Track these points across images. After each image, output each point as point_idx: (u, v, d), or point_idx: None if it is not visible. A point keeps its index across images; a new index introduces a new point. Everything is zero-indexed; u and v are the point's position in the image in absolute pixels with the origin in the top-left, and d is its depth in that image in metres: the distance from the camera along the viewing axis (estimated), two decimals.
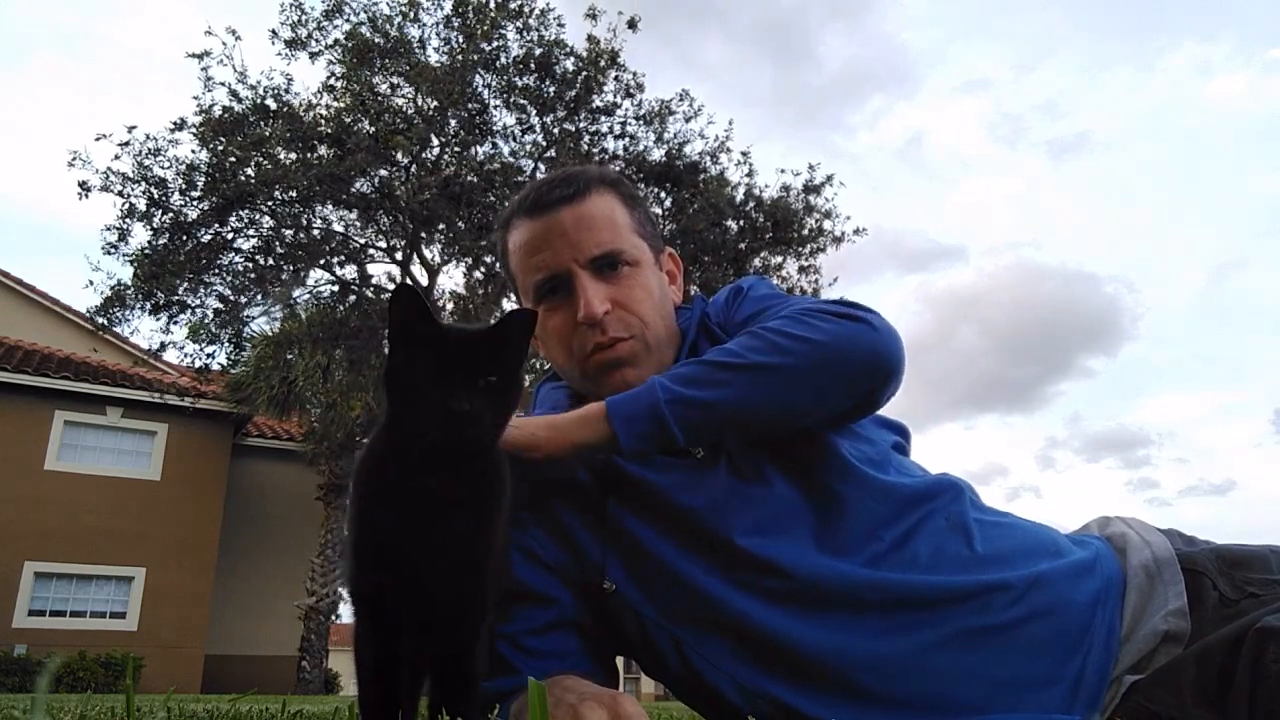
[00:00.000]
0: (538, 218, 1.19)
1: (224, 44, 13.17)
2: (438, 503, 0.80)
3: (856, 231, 14.78)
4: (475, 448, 0.81)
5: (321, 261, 14.24)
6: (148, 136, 12.71)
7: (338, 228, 14.29)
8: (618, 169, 12.11)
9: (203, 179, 12.67)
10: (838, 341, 1.02)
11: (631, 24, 13.17)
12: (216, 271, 13.62)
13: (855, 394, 1.04)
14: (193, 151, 12.86)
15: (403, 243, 14.34)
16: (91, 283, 13.03)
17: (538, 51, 13.11)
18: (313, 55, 13.44)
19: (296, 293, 14.12)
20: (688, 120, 13.99)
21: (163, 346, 13.66)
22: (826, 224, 14.62)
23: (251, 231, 13.76)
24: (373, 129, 12.75)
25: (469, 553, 0.82)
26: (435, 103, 12.91)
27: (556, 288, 1.18)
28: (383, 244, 14.63)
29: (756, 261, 14.43)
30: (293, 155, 12.84)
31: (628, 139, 13.97)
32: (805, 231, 14.44)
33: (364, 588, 0.83)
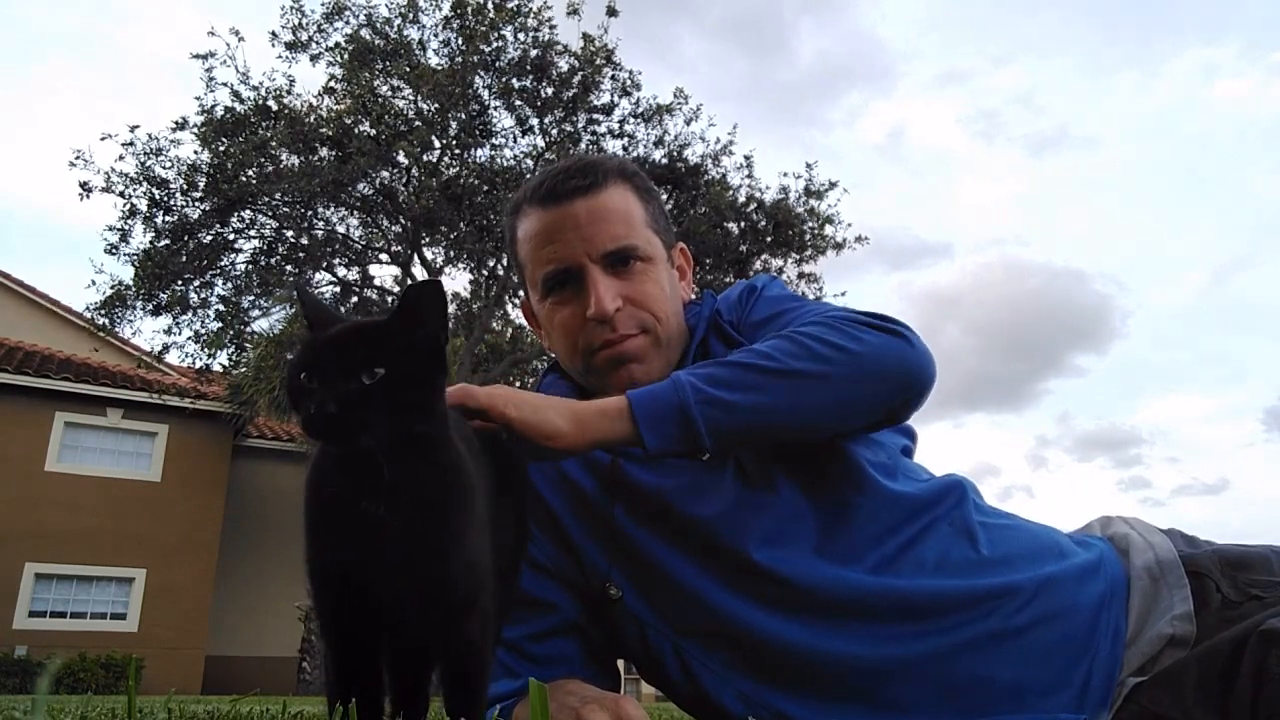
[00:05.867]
0: (550, 208, 1.15)
1: (227, 44, 13.21)
2: (376, 523, 0.72)
3: (858, 239, 14.79)
4: (352, 448, 0.71)
5: (324, 263, 14.25)
6: (150, 137, 12.74)
7: (340, 229, 14.31)
8: None
9: (204, 179, 12.68)
10: (876, 354, 0.98)
11: (610, 11, 13.12)
12: (218, 272, 13.62)
13: (888, 409, 1.01)
14: (195, 152, 12.88)
15: (405, 245, 14.34)
16: (93, 283, 13.06)
17: (533, 53, 13.11)
18: (313, 58, 13.46)
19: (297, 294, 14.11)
20: (688, 123, 13.99)
21: (165, 349, 13.67)
22: (828, 229, 14.62)
23: (253, 232, 13.78)
24: (374, 131, 12.76)
25: (424, 569, 0.74)
26: (435, 105, 12.92)
27: (566, 280, 1.14)
28: (384, 245, 14.64)
29: (757, 264, 14.43)
30: (295, 159, 12.85)
31: (626, 139, 13.98)
32: (807, 237, 14.44)
33: (321, 609, 0.77)
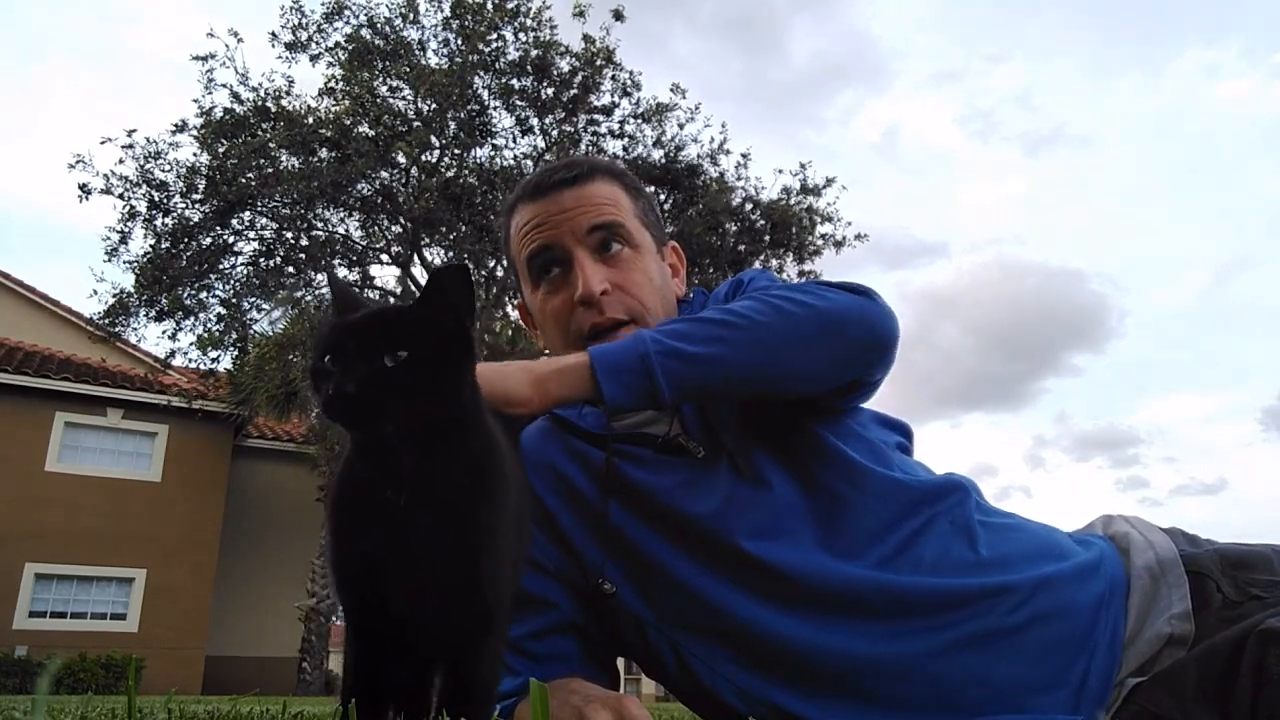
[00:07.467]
0: (539, 199, 1.18)
1: (226, 46, 13.21)
2: (398, 514, 0.70)
3: (858, 237, 14.80)
4: (371, 432, 0.70)
5: (323, 264, 14.26)
6: (148, 140, 12.75)
7: (340, 230, 14.33)
8: None
9: (203, 182, 12.69)
10: (839, 309, 1.01)
11: (617, 15, 13.16)
12: (219, 275, 13.64)
13: (851, 363, 1.03)
14: (194, 155, 12.89)
15: (405, 246, 14.34)
16: (95, 292, 13.10)
17: (534, 53, 13.13)
18: (313, 58, 13.47)
19: (299, 294, 14.13)
20: (681, 126, 14.00)
21: (171, 354, 13.71)
22: (828, 228, 14.64)
23: (253, 234, 13.79)
24: (373, 132, 12.77)
25: (447, 564, 0.72)
26: (435, 105, 12.92)
27: (553, 264, 1.17)
28: (384, 246, 14.65)
29: (756, 264, 14.43)
30: (294, 160, 12.86)
31: (626, 139, 14.00)
32: (806, 239, 14.46)
33: (345, 603, 0.75)
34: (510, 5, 13.17)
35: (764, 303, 1.00)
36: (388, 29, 13.30)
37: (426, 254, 14.47)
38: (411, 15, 13.29)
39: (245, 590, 16.58)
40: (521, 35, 13.23)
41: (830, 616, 0.98)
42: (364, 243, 14.64)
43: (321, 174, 12.52)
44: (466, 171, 13.40)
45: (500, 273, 13.75)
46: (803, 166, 14.49)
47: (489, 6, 13.09)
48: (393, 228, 14.42)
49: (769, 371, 0.98)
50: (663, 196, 14.06)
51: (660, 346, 0.94)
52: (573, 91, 13.40)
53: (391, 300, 13.97)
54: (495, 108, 13.54)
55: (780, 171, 14.97)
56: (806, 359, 1.00)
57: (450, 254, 14.32)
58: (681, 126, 13.98)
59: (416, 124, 12.91)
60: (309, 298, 14.28)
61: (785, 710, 0.98)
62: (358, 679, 0.74)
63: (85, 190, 12.58)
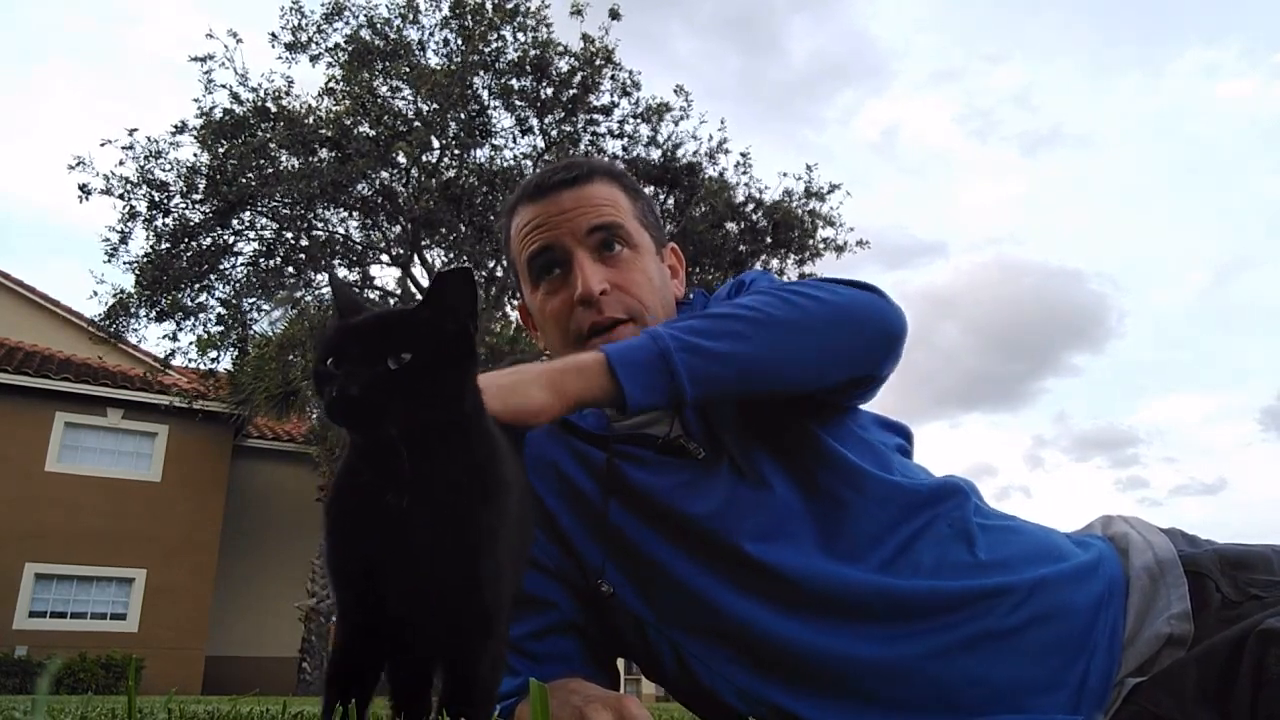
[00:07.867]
0: (539, 200, 1.19)
1: (226, 46, 13.21)
2: (399, 516, 0.70)
3: (860, 243, 14.80)
4: (374, 434, 0.70)
5: (323, 264, 14.25)
6: (149, 139, 12.75)
7: (340, 231, 14.32)
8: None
9: (204, 182, 12.69)
10: (851, 304, 1.02)
11: (614, 14, 13.16)
12: (219, 275, 13.64)
13: (864, 358, 1.04)
14: (194, 155, 12.89)
15: (405, 247, 14.34)
16: (95, 293, 13.11)
17: (533, 53, 13.12)
18: (313, 58, 13.47)
19: (299, 295, 14.13)
20: (676, 123, 13.99)
21: (172, 354, 13.71)
22: (830, 232, 14.64)
23: (253, 234, 13.78)
24: (373, 132, 12.77)
25: (447, 566, 0.71)
26: (435, 105, 12.92)
27: (553, 265, 1.17)
28: (384, 246, 14.65)
29: (757, 265, 14.43)
30: (294, 160, 12.86)
31: (626, 139, 13.99)
32: (809, 241, 14.46)
33: (340, 602, 0.76)
34: (510, 5, 13.16)
35: (776, 298, 1.00)
36: (387, 29, 13.29)
37: (427, 255, 14.46)
38: (411, 15, 13.29)
39: (245, 590, 16.58)
40: (521, 35, 13.22)
41: (831, 619, 0.98)
42: (364, 243, 14.62)
43: (321, 174, 12.51)
44: (467, 172, 13.39)
45: (500, 273, 13.75)
46: (809, 168, 14.49)
47: (489, 6, 13.09)
48: (393, 228, 14.41)
49: (787, 366, 0.98)
50: (662, 196, 14.06)
51: (680, 343, 0.92)
52: (572, 91, 13.39)
53: (391, 301, 13.97)
54: (495, 108, 13.53)
55: (785, 175, 14.96)
56: (823, 353, 1.00)
57: (450, 255, 14.31)
58: (676, 124, 13.98)
59: (416, 124, 12.90)
60: (309, 298, 14.27)
61: (785, 710, 0.98)
62: (343, 665, 0.74)
63: (85, 191, 12.57)
